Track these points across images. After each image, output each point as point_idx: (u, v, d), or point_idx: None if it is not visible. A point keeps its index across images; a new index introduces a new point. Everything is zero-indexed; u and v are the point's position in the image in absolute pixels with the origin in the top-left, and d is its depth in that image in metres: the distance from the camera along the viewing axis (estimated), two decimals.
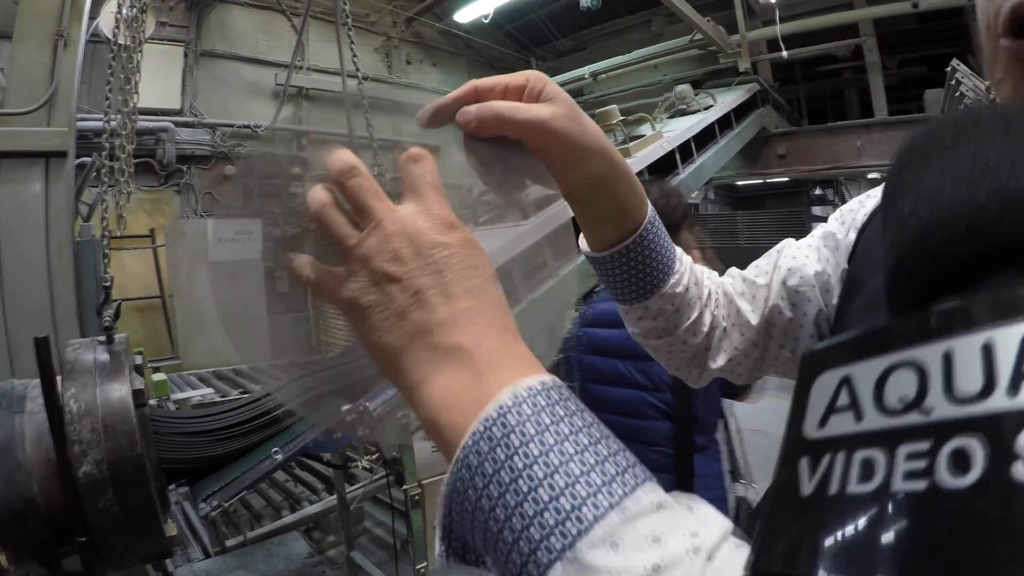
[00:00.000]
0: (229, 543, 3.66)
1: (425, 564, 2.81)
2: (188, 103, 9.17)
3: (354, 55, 3.49)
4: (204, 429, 1.95)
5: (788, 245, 1.02)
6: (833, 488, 0.30)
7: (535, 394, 0.44)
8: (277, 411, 2.05)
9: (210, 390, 5.03)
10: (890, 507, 0.27)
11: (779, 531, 0.32)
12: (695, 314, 0.99)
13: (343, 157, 0.55)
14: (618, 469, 0.41)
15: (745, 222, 14.84)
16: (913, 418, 0.28)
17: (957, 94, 5.81)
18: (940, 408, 0.27)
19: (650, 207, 0.90)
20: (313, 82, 10.19)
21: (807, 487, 0.31)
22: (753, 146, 10.18)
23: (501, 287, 0.55)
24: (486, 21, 11.49)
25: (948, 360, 0.28)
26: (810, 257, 0.96)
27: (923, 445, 0.27)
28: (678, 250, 0.98)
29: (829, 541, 0.28)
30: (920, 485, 0.26)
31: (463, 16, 11.75)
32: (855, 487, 0.29)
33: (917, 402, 0.28)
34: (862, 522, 0.28)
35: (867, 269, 0.84)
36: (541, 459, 0.41)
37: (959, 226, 0.34)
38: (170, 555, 1.87)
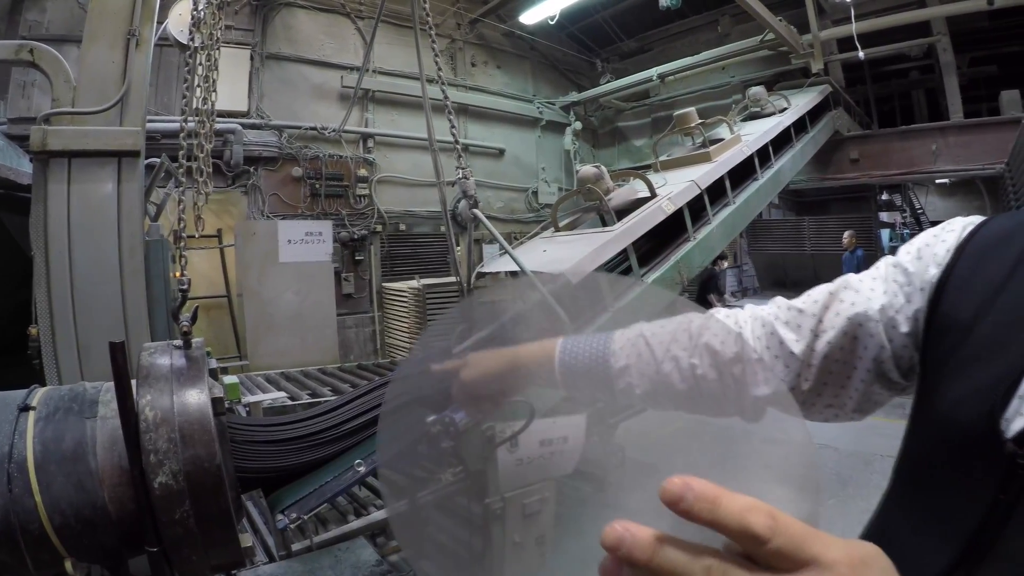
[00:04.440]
0: (295, 547, 3.61)
1: None
2: (255, 105, 9.30)
3: (435, 54, 3.39)
4: (283, 438, 1.88)
5: (849, 278, 0.94)
6: None
7: None
8: (360, 420, 1.98)
9: (281, 393, 5.00)
10: None
11: None
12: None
13: None
14: None
15: (811, 227, 14.51)
16: None
17: None
18: None
19: None
20: (379, 84, 10.26)
21: None
22: (825, 150, 9.89)
23: None
24: (552, 22, 11.38)
25: None
26: (875, 290, 0.88)
27: None
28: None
29: None
30: None
31: (528, 18, 11.64)
32: None
33: None
34: None
35: (966, 310, 0.78)
36: None
37: None
38: (243, 566, 1.81)
